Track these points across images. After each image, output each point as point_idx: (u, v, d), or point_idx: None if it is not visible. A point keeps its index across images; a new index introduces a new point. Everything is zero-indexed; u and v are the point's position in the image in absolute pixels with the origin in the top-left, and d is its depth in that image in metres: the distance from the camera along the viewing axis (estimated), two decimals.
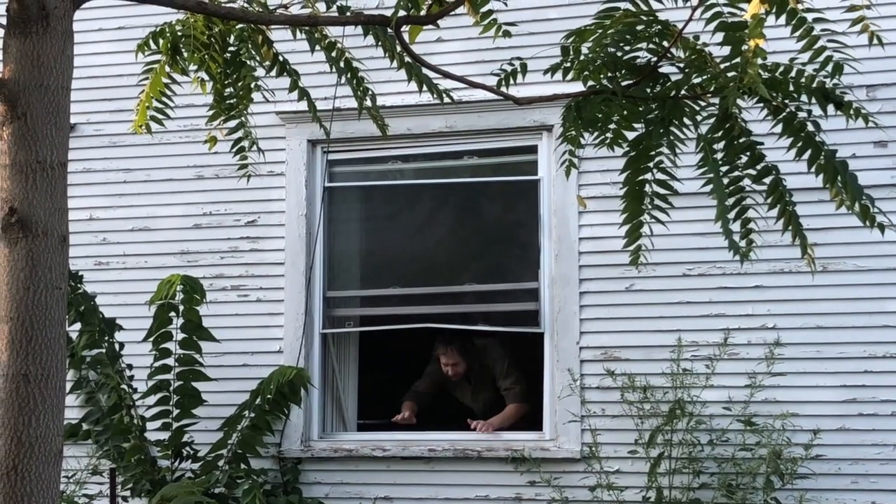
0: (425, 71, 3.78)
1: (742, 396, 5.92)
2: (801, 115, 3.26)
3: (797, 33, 2.98)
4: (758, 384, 5.91)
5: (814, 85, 3.19)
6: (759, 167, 3.35)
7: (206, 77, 4.19)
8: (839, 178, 3.22)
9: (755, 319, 6.08)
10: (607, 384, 6.13)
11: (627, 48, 3.31)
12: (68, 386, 5.86)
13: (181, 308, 6.14)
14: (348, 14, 3.80)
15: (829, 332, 6.00)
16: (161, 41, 4.08)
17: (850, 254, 5.97)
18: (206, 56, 4.02)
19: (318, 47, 4.06)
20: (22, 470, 2.77)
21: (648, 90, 3.35)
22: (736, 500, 5.73)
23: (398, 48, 3.76)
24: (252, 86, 4.14)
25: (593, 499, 6.01)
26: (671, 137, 3.32)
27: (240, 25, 4.02)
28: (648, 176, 3.40)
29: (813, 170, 3.28)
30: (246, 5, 3.90)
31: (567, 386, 6.22)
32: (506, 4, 3.58)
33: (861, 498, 5.90)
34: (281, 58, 4.19)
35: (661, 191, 3.40)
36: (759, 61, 2.89)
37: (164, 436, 6.26)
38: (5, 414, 2.80)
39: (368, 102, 4.21)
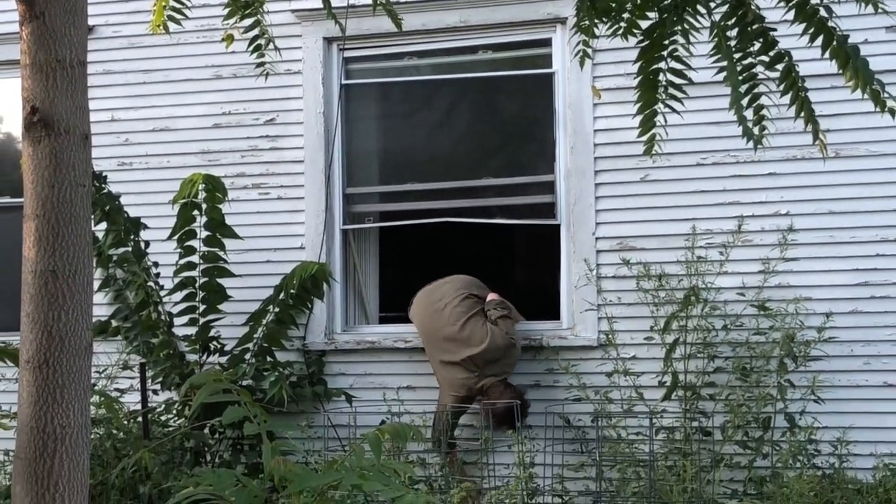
0: None
1: (756, 282, 6.00)
2: (814, 0, 3.26)
3: None
4: (771, 270, 5.99)
5: None
6: (771, 53, 3.34)
7: None
8: (851, 62, 3.23)
9: (768, 206, 6.14)
10: (623, 273, 6.22)
11: None
12: (96, 284, 6.00)
13: (204, 206, 6.20)
14: None
15: (841, 217, 6.07)
16: None
17: (862, 139, 6.00)
18: None
19: None
20: (53, 362, 2.85)
21: None
22: (750, 382, 5.84)
23: None
24: None
25: (610, 384, 6.15)
26: (685, 25, 3.31)
27: None
28: (662, 65, 3.39)
29: (826, 55, 3.29)
30: None
31: (583, 276, 6.31)
32: None
33: (873, 378, 6.02)
34: None
35: (675, 80, 3.39)
36: None
37: (192, 331, 6.38)
38: (36, 309, 2.87)
39: None
